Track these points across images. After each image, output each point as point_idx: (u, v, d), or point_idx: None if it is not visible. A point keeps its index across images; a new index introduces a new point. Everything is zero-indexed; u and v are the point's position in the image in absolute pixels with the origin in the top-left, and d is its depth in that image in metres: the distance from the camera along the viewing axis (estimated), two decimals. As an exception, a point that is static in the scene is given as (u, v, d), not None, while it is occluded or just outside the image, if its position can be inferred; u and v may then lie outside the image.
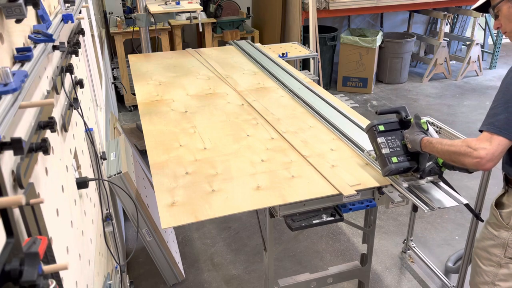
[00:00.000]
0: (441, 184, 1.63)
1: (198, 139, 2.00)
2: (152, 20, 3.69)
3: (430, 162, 1.58)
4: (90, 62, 2.43)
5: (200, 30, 4.31)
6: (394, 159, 1.55)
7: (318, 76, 4.45)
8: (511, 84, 1.38)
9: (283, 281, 2.07)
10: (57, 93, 1.21)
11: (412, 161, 1.57)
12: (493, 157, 1.30)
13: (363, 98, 5.35)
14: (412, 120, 1.60)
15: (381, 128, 1.60)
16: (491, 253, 1.64)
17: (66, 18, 1.33)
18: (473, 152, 1.30)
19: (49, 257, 0.79)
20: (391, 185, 1.64)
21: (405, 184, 1.59)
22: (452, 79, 5.83)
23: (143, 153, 3.30)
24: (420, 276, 2.59)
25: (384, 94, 5.43)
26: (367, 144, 1.89)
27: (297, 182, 1.65)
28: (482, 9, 1.58)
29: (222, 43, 5.15)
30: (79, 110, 1.47)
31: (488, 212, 1.67)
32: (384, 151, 1.57)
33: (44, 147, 0.84)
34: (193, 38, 5.82)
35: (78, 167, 1.50)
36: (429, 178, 1.61)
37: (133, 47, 5.23)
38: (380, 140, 1.59)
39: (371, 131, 1.63)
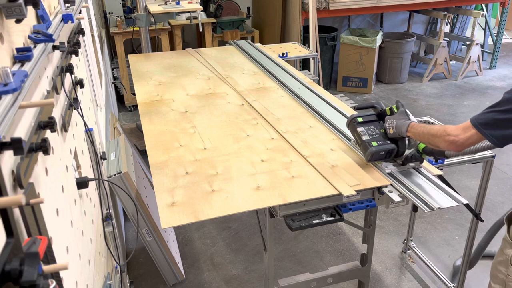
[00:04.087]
0: (441, 184, 1.63)
1: (198, 139, 2.00)
2: (152, 20, 3.69)
3: (412, 149, 1.68)
4: (90, 62, 2.43)
5: (200, 30, 4.31)
6: (374, 143, 1.68)
7: (318, 76, 4.44)
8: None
9: (283, 281, 2.07)
10: (57, 93, 1.21)
11: (392, 145, 1.68)
12: (463, 146, 1.40)
13: (363, 98, 5.35)
14: (394, 108, 1.73)
15: (360, 119, 1.76)
16: (498, 269, 1.57)
17: (66, 18, 1.33)
18: (445, 137, 1.42)
19: (49, 257, 0.79)
20: (391, 183, 1.63)
21: (388, 170, 1.69)
22: (452, 79, 5.83)
23: (143, 153, 3.30)
24: (420, 276, 2.59)
25: (384, 94, 5.43)
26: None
27: (297, 182, 1.65)
28: None
29: (222, 43, 5.16)
30: (79, 110, 1.47)
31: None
32: (364, 137, 1.70)
33: (44, 147, 0.84)
34: (193, 38, 5.82)
35: (78, 167, 1.50)
36: (411, 164, 1.71)
37: (133, 47, 5.23)
38: (360, 129, 1.73)
39: (351, 123, 1.78)
